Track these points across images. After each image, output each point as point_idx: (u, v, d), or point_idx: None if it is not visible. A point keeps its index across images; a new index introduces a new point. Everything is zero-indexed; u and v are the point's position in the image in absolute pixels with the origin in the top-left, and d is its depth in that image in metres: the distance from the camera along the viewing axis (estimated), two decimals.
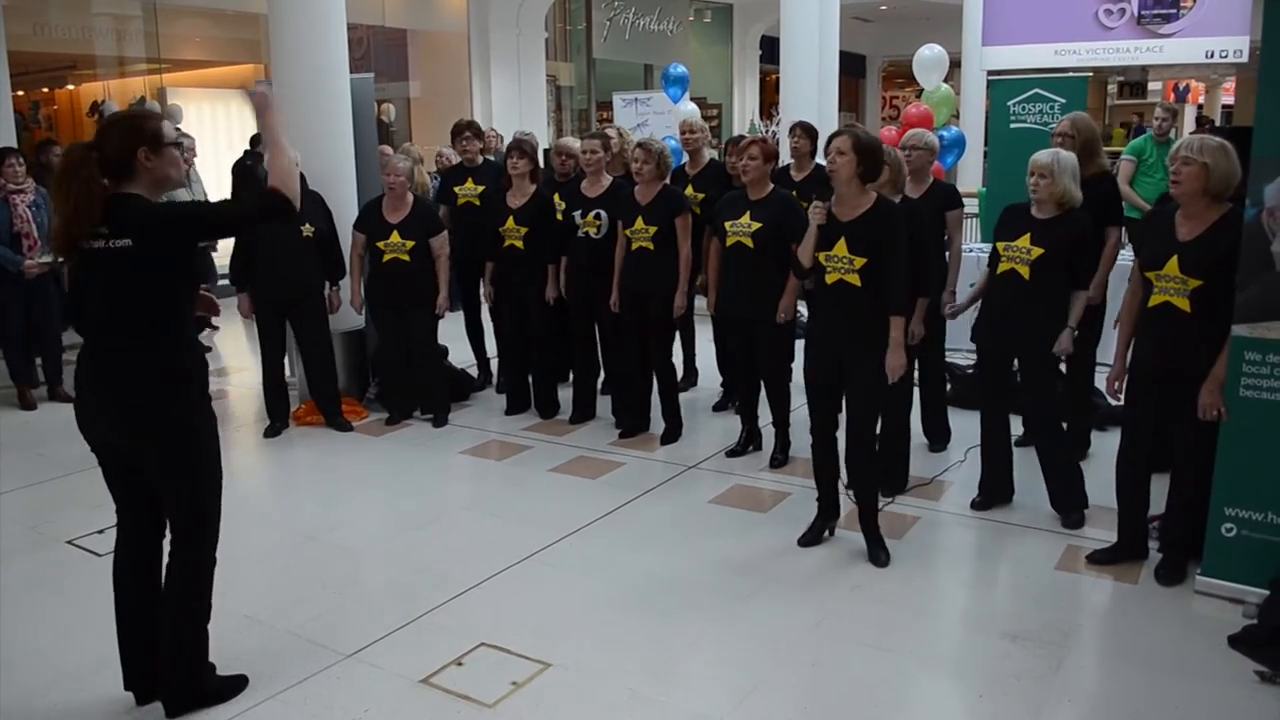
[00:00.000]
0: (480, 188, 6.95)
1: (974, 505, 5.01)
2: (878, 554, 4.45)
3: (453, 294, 7.11)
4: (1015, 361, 4.88)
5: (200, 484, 3.25)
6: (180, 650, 3.33)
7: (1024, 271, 4.60)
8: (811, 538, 4.67)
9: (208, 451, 3.26)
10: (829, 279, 4.36)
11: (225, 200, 3.28)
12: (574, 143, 7.05)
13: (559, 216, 6.48)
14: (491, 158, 7.39)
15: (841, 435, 4.59)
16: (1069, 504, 4.81)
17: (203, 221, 3.22)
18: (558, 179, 6.89)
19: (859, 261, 4.25)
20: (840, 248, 4.29)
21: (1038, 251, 4.57)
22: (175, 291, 3.14)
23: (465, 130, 7.29)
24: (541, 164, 7.52)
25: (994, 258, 4.79)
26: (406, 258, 6.40)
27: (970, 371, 6.65)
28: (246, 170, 7.80)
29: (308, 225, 6.33)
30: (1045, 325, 4.64)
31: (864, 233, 4.26)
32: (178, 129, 3.46)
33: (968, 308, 5.18)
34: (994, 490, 5.01)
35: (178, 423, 3.16)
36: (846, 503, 4.70)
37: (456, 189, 7.18)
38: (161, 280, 3.09)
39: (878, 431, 4.53)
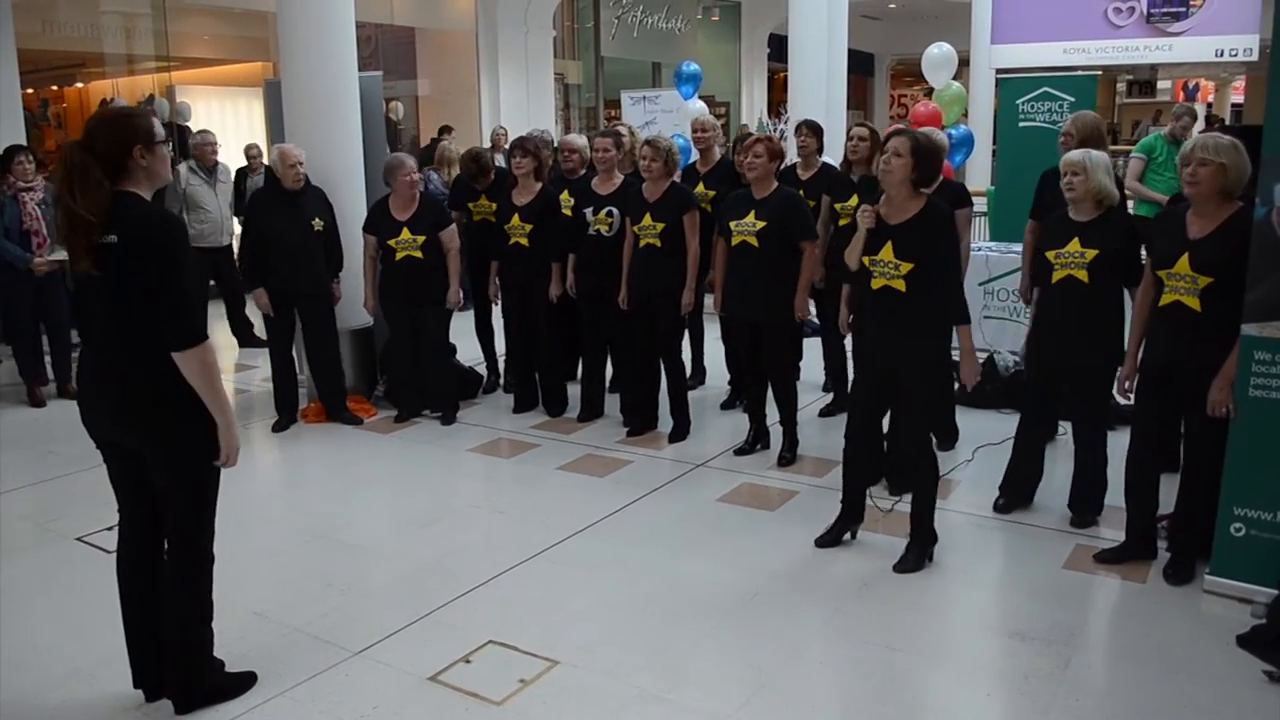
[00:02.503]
0: (493, 205, 6.89)
1: (997, 507, 4.98)
2: (907, 559, 4.37)
3: (465, 292, 7.12)
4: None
5: (196, 480, 3.25)
6: (184, 648, 3.33)
7: (1082, 276, 4.49)
8: (830, 539, 4.63)
9: (204, 447, 3.24)
10: (874, 284, 4.28)
11: (190, 290, 3.17)
12: (579, 139, 7.03)
13: (567, 213, 6.48)
14: (500, 158, 7.33)
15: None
16: (1087, 506, 4.79)
17: (168, 266, 3.05)
18: (566, 176, 6.88)
19: (905, 267, 4.18)
20: (887, 252, 4.22)
21: (1092, 253, 4.47)
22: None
23: (472, 165, 7.19)
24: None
25: (1045, 269, 4.64)
26: (419, 254, 6.41)
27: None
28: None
29: (317, 220, 6.39)
30: (1106, 327, 4.54)
31: (913, 237, 4.19)
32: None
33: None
34: (1018, 493, 4.99)
35: (172, 418, 3.16)
36: (869, 505, 4.71)
37: (470, 205, 7.15)
38: (149, 275, 3.06)
39: (926, 436, 4.46)
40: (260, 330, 8.94)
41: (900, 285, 4.21)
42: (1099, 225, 4.53)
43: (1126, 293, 4.60)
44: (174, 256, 3.07)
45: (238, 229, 8.65)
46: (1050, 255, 4.61)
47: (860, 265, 4.34)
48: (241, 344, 9.08)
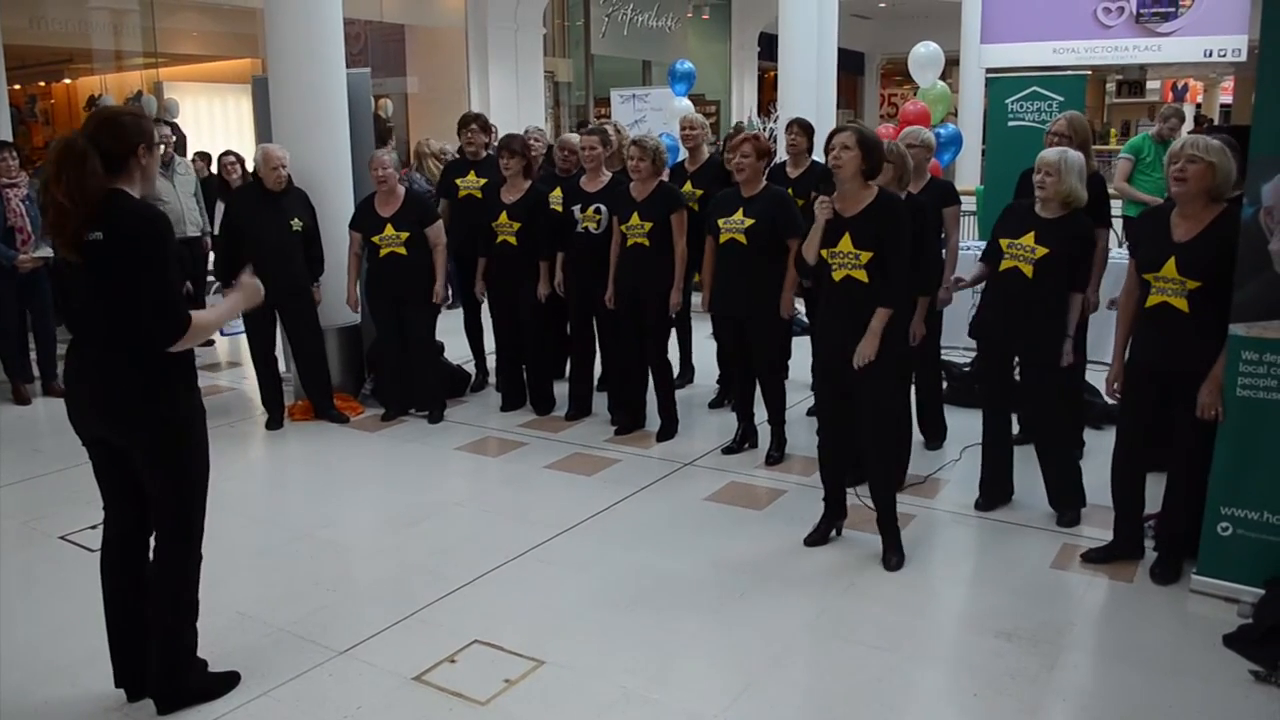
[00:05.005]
0: (483, 180, 6.88)
1: (978, 506, 4.99)
2: (890, 557, 4.40)
3: (452, 289, 7.09)
4: (1015, 359, 4.86)
5: (186, 478, 3.24)
6: (168, 646, 3.31)
7: (1027, 270, 4.55)
8: (818, 538, 4.64)
9: (194, 445, 3.25)
10: (835, 275, 4.31)
11: (175, 283, 3.16)
12: (576, 138, 7.01)
13: (558, 209, 6.46)
14: (491, 151, 7.29)
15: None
16: (1066, 502, 4.80)
17: (151, 264, 3.06)
18: (559, 174, 6.85)
19: (865, 256, 4.22)
20: (845, 243, 4.25)
21: (1042, 251, 4.51)
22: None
23: (471, 123, 7.20)
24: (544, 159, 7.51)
25: (995, 254, 4.72)
26: (403, 250, 6.39)
27: (967, 369, 6.64)
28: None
29: (297, 220, 6.36)
30: (1046, 326, 4.60)
31: (868, 227, 4.23)
32: (156, 122, 3.53)
33: (971, 285, 5.07)
34: (995, 490, 5.00)
35: (163, 416, 3.15)
36: (853, 502, 4.71)
37: (458, 181, 7.11)
38: (133, 273, 3.06)
39: (892, 431, 4.48)
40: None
41: (862, 275, 4.24)
42: (1058, 225, 4.56)
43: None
44: (159, 253, 3.08)
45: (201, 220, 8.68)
46: (1004, 243, 4.67)
47: (818, 258, 4.35)
48: None
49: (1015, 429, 5.26)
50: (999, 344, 4.80)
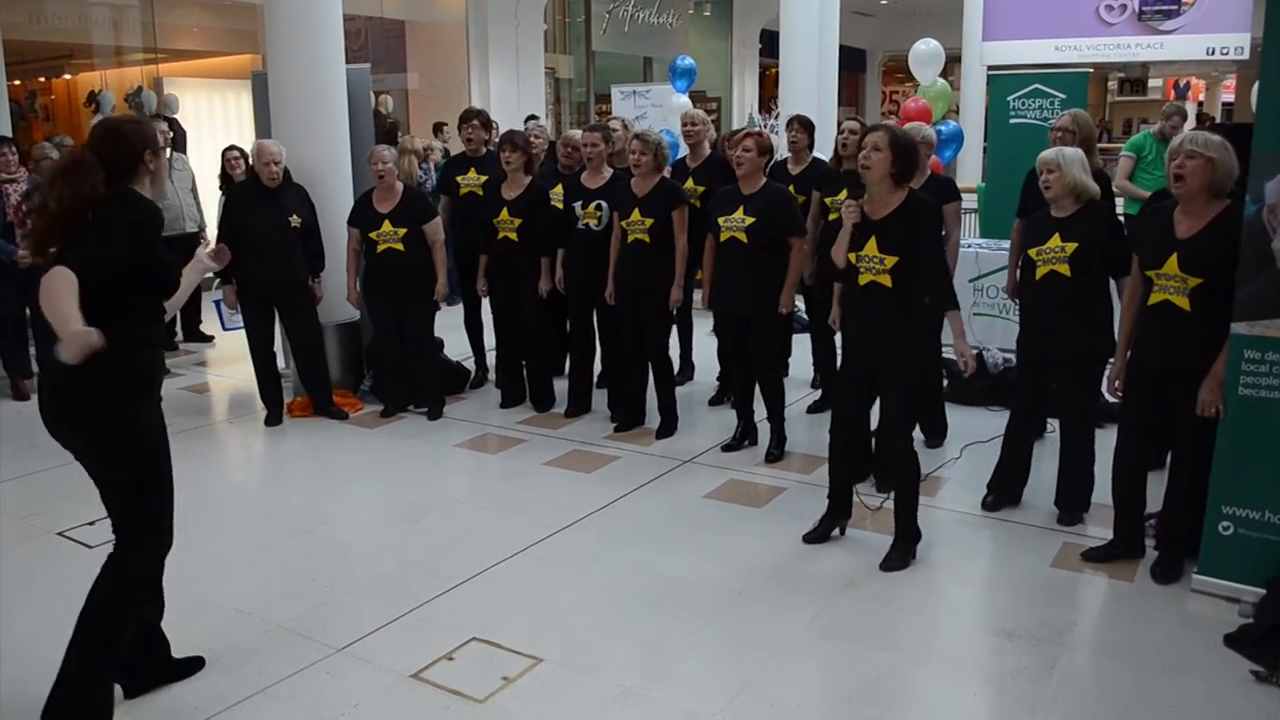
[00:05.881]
0: (484, 177, 6.85)
1: (985, 505, 4.97)
2: (892, 557, 4.35)
3: (452, 286, 7.06)
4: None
5: (137, 485, 3.17)
6: (78, 670, 3.15)
7: (1064, 270, 4.51)
8: (818, 536, 4.62)
9: (148, 452, 3.18)
10: (861, 280, 4.28)
11: (163, 262, 3.16)
12: (580, 135, 6.99)
13: (559, 205, 6.44)
14: (492, 148, 7.26)
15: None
16: (1074, 503, 4.78)
17: (140, 244, 3.07)
18: (562, 170, 6.84)
19: (890, 261, 4.17)
20: (871, 247, 4.21)
21: (1072, 246, 4.49)
22: (116, 288, 3.04)
23: (473, 119, 7.17)
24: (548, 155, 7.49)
25: (1028, 267, 4.67)
26: (400, 247, 6.38)
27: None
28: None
29: (295, 217, 6.35)
30: (1091, 320, 4.56)
31: (895, 230, 4.18)
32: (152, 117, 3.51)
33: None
34: (1008, 490, 4.97)
35: (110, 421, 3.10)
36: (857, 502, 4.71)
37: (459, 178, 7.09)
38: (99, 273, 2.99)
39: (908, 434, 4.45)
40: (206, 327, 8.91)
41: (886, 280, 4.20)
42: (1078, 219, 4.55)
43: (1115, 284, 4.63)
44: (136, 237, 3.07)
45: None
46: (1032, 253, 4.64)
47: (847, 262, 4.32)
48: (186, 338, 9.04)
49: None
50: (1048, 348, 4.69)
